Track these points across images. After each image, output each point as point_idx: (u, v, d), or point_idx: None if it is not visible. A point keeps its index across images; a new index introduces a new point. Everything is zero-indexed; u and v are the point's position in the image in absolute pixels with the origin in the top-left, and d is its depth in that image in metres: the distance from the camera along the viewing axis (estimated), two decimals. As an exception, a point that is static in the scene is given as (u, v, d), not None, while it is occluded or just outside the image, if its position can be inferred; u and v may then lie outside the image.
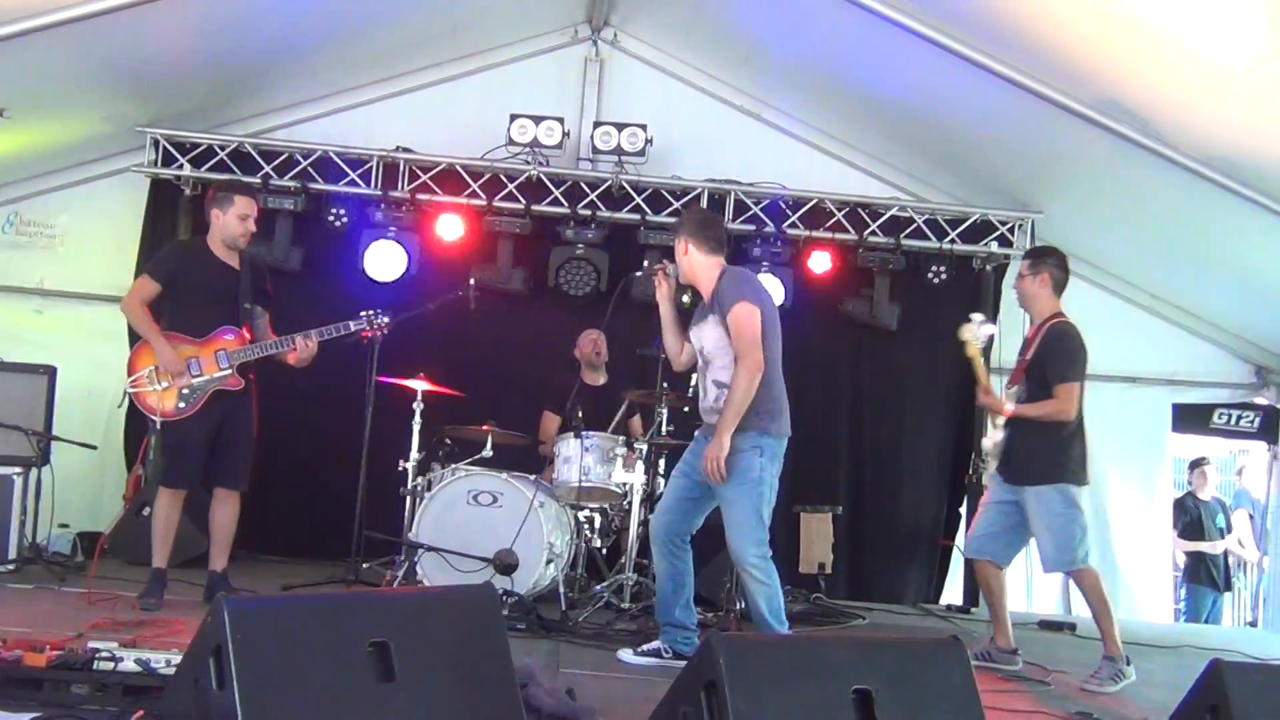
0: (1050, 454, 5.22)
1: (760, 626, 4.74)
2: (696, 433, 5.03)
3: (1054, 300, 5.42)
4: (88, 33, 5.96)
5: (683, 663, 3.70)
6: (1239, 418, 8.61)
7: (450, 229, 7.75)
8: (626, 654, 4.91)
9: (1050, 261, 5.46)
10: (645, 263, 6.14)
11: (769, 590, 4.72)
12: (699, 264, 4.95)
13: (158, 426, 5.29)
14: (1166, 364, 8.51)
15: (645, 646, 4.92)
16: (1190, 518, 9.52)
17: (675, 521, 4.93)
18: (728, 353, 4.76)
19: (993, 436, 5.47)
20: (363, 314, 5.71)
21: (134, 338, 7.58)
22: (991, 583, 5.49)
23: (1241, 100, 5.57)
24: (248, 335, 5.45)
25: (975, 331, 5.57)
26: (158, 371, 5.31)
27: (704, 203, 7.90)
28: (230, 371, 5.37)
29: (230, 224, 5.46)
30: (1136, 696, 4.89)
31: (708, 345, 4.88)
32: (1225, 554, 9.69)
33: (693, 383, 6.24)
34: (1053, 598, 8.29)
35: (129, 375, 5.36)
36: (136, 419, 7.54)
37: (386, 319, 5.75)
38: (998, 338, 6.81)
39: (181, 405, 5.30)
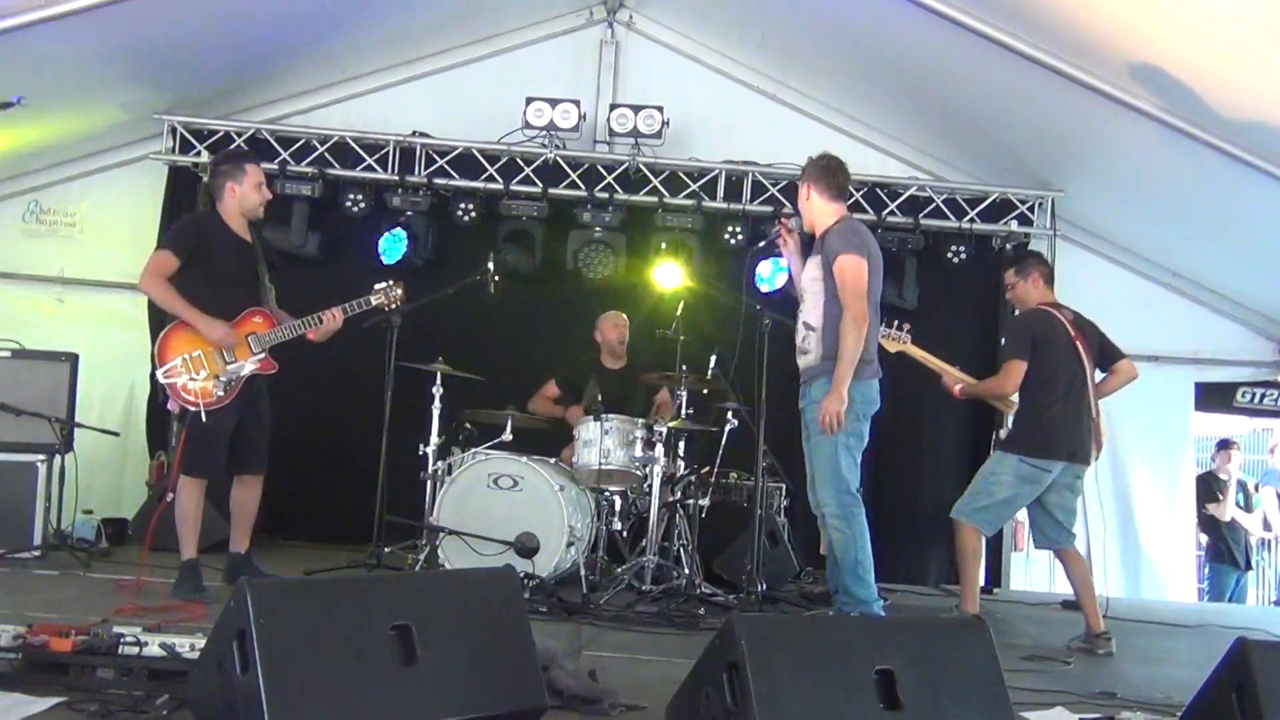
0: None
1: (835, 576, 4.93)
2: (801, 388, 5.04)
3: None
4: (104, 21, 5.98)
5: None
6: (1262, 396, 8.57)
7: (467, 213, 7.73)
8: None
9: (1033, 262, 5.77)
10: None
11: (842, 538, 4.86)
12: (819, 209, 5.00)
13: (203, 418, 5.03)
14: (1189, 343, 8.43)
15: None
16: (1209, 495, 9.47)
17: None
18: (818, 294, 4.84)
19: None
20: (378, 286, 5.59)
21: (156, 324, 7.67)
22: (1067, 569, 5.71)
23: (1268, 69, 5.50)
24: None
25: (896, 335, 5.77)
26: (192, 360, 5.08)
27: (721, 184, 7.87)
28: (264, 355, 5.22)
29: (249, 194, 5.30)
30: (1161, 676, 4.86)
31: (802, 280, 4.98)
32: (1245, 532, 9.63)
33: (711, 364, 6.27)
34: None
35: (161, 365, 5.10)
36: (159, 405, 7.62)
37: (399, 291, 5.61)
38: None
39: (220, 394, 5.10)
